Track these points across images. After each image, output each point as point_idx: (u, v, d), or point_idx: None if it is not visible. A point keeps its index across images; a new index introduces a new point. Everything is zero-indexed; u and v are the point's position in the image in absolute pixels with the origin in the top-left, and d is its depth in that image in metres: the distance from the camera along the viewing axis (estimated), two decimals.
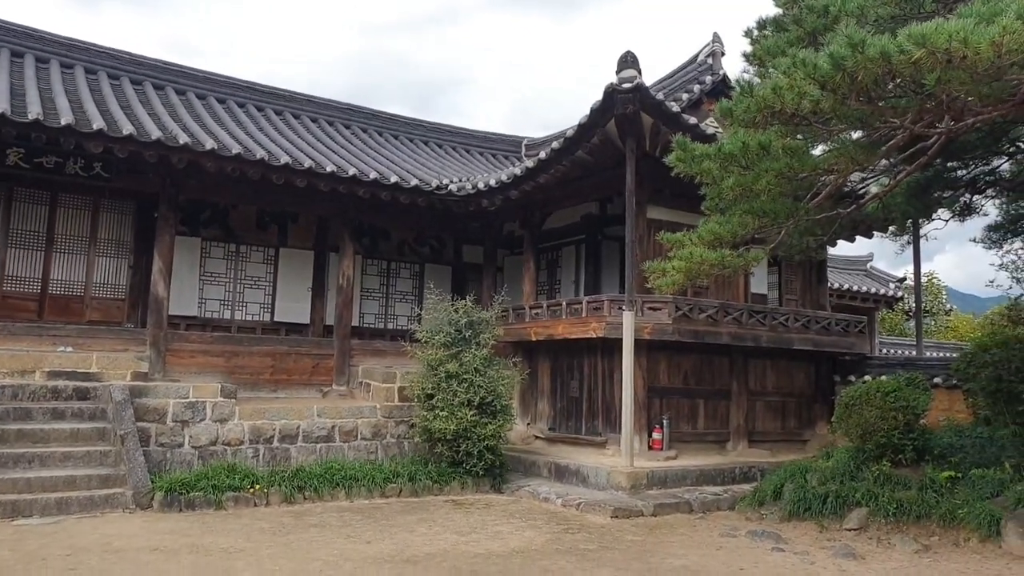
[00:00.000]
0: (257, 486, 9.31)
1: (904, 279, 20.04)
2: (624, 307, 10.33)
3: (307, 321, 14.63)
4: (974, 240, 11.58)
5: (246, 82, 15.67)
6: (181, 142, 10.89)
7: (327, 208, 13.63)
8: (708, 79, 13.09)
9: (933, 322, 25.75)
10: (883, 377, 8.97)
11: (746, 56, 7.33)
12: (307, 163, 12.02)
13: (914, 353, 14.91)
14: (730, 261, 7.15)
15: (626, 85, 9.71)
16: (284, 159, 11.78)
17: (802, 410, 13.12)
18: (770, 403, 12.74)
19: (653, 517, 9.00)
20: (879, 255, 20.47)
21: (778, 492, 8.89)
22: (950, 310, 28.49)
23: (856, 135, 7.39)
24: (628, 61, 9.86)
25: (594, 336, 11.34)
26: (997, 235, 11.26)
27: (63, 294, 12.63)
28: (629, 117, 9.96)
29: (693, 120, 10.35)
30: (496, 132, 18.82)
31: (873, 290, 18.69)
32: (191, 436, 10.29)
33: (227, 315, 14.07)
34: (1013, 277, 13.28)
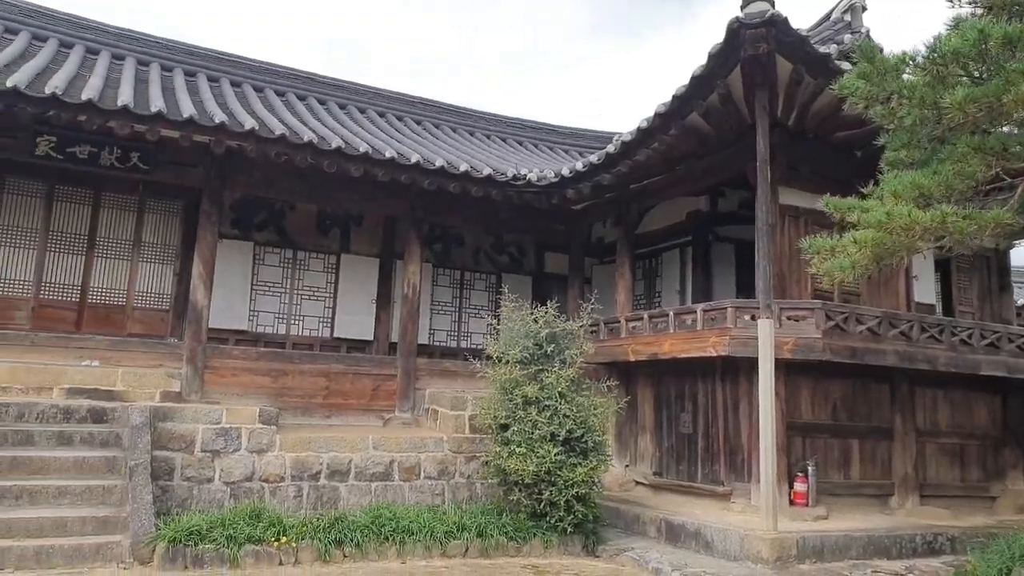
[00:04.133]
0: (284, 538, 7.32)
1: None
2: (760, 314, 7.84)
3: (371, 337, 12.81)
4: None
5: (308, 73, 14.21)
6: (217, 121, 9.30)
7: (391, 206, 11.84)
8: (846, 37, 10.47)
9: None
10: None
11: None
12: (363, 148, 10.22)
13: None
14: (957, 225, 4.65)
15: (756, 20, 7.35)
16: (336, 143, 10.02)
17: (987, 456, 10.11)
18: (944, 446, 9.83)
19: None
20: None
21: None
22: None
23: None
24: None
25: (712, 355, 8.87)
26: None
27: (103, 303, 11.27)
28: (761, 61, 7.57)
29: (847, 67, 7.83)
30: (585, 128, 16.66)
31: None
32: (222, 470, 8.50)
33: (282, 330, 12.42)
34: None
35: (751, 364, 8.88)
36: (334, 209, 12.63)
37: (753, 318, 8.62)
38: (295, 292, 12.58)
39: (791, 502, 8.55)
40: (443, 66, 52.58)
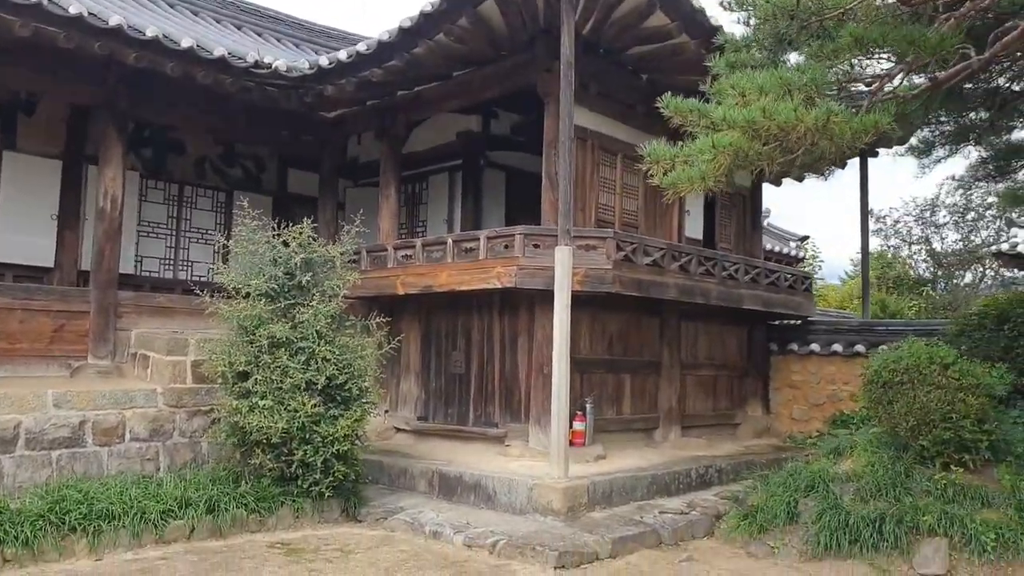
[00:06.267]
0: None
1: (807, 237, 18.58)
2: (559, 240, 6.91)
3: (51, 264, 9.82)
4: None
5: None
6: None
7: (81, 91, 9.00)
8: None
9: None
10: (918, 342, 6.38)
11: None
12: None
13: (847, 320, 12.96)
14: (839, 127, 3.97)
15: None
16: None
17: (733, 387, 10.56)
18: (702, 379, 10.02)
19: (613, 560, 5.79)
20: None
21: (792, 512, 6.01)
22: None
23: None
24: None
25: (497, 287, 7.86)
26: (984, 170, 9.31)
27: None
28: None
29: None
30: (345, 29, 14.36)
31: (777, 249, 16.85)
32: None
33: None
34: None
35: (532, 297, 8.11)
36: None
37: (537, 247, 7.78)
38: None
39: (570, 442, 7.96)
40: None
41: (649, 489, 7.31)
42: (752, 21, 4.90)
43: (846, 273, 25.62)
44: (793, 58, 5.11)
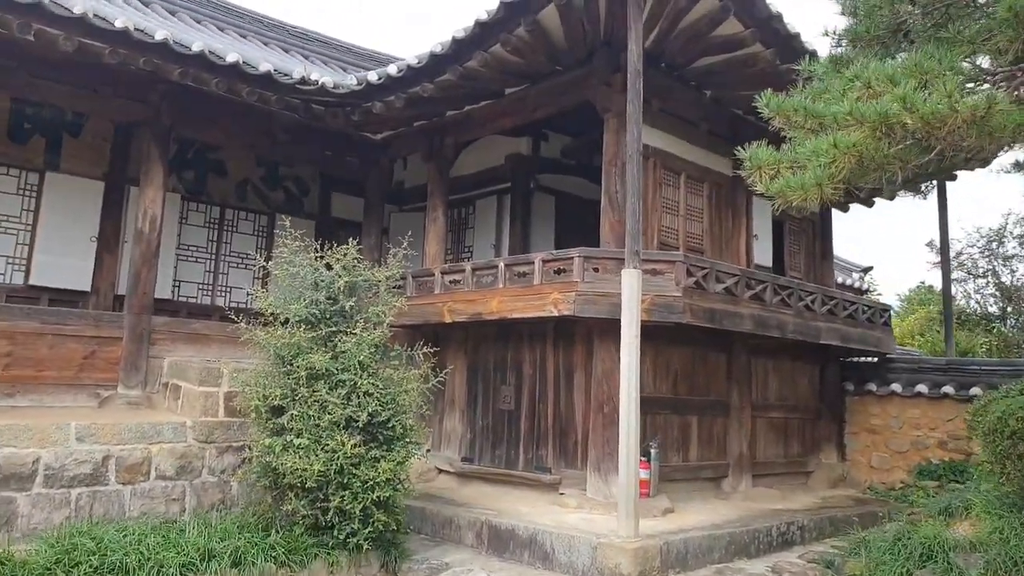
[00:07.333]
0: None
1: (871, 268, 17.56)
2: (627, 263, 6.21)
3: (88, 288, 9.50)
4: None
5: None
6: None
7: (125, 108, 8.75)
8: None
9: None
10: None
11: None
12: (79, 9, 7.03)
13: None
14: (1003, 117, 3.25)
15: None
16: None
17: (805, 431, 9.63)
18: (773, 421, 9.14)
19: None
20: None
21: None
22: None
23: None
24: None
25: (553, 314, 7.19)
26: None
27: None
28: None
29: None
30: (390, 53, 14.12)
31: (840, 280, 15.80)
32: None
33: None
34: None
35: (590, 327, 7.43)
36: (37, 107, 9.17)
37: (597, 271, 7.12)
38: None
39: None
40: None
41: (727, 550, 6.44)
42: (859, 11, 4.22)
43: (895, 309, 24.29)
44: (900, 58, 4.43)
